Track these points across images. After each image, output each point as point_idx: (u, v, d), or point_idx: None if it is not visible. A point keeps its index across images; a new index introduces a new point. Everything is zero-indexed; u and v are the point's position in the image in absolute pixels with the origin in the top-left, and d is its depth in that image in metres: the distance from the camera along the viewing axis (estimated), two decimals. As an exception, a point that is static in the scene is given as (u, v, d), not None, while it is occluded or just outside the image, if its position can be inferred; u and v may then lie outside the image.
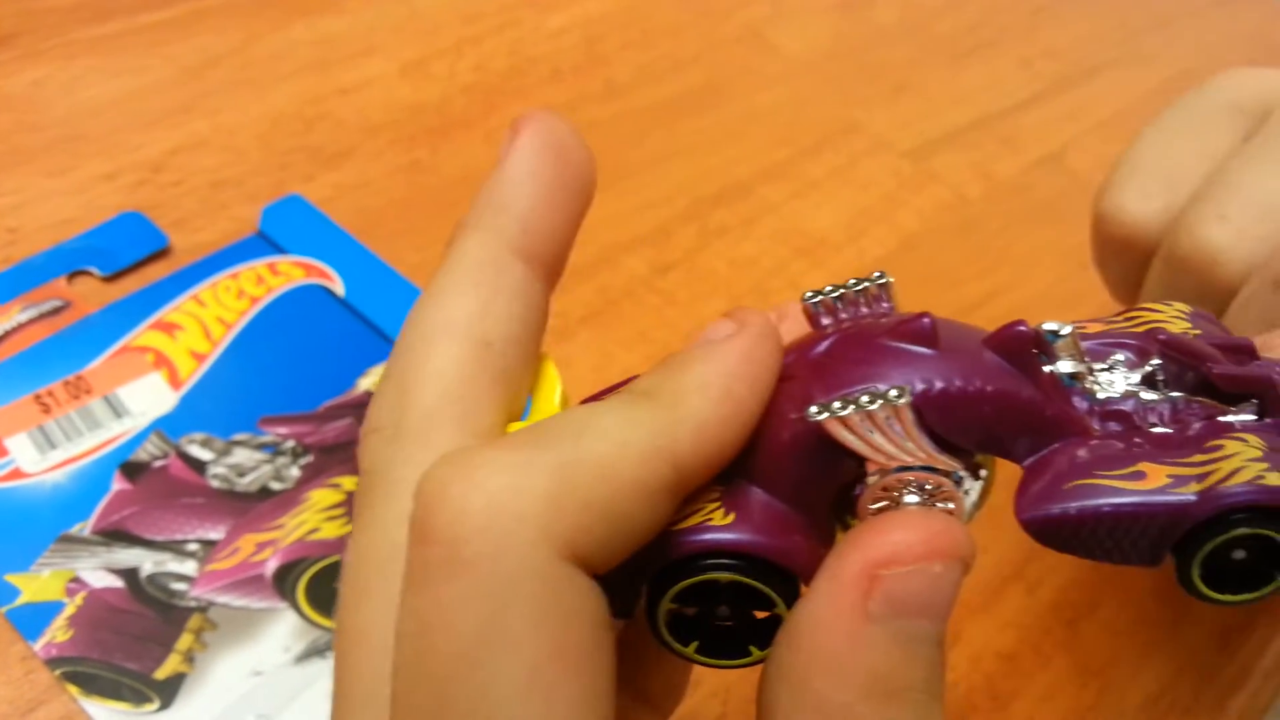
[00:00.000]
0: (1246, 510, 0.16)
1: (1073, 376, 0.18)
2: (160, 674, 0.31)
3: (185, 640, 0.32)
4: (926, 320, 0.17)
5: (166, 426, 0.36)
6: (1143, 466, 0.17)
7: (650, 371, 0.18)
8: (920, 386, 0.17)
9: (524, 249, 0.20)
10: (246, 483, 0.35)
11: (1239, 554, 0.17)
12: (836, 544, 0.17)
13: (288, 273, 0.41)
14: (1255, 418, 0.17)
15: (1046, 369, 0.18)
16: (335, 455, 0.36)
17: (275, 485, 0.35)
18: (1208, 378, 0.18)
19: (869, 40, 0.59)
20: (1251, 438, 0.17)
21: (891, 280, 0.19)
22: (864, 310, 0.19)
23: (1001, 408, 0.17)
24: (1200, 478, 0.16)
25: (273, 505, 0.35)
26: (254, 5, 0.54)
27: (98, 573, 0.33)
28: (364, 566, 0.18)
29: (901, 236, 0.49)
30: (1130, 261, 0.31)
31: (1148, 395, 0.18)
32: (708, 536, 0.17)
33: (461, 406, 0.19)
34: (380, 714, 0.16)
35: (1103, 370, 0.18)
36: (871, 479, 0.17)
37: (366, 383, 0.39)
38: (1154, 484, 0.16)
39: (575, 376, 0.41)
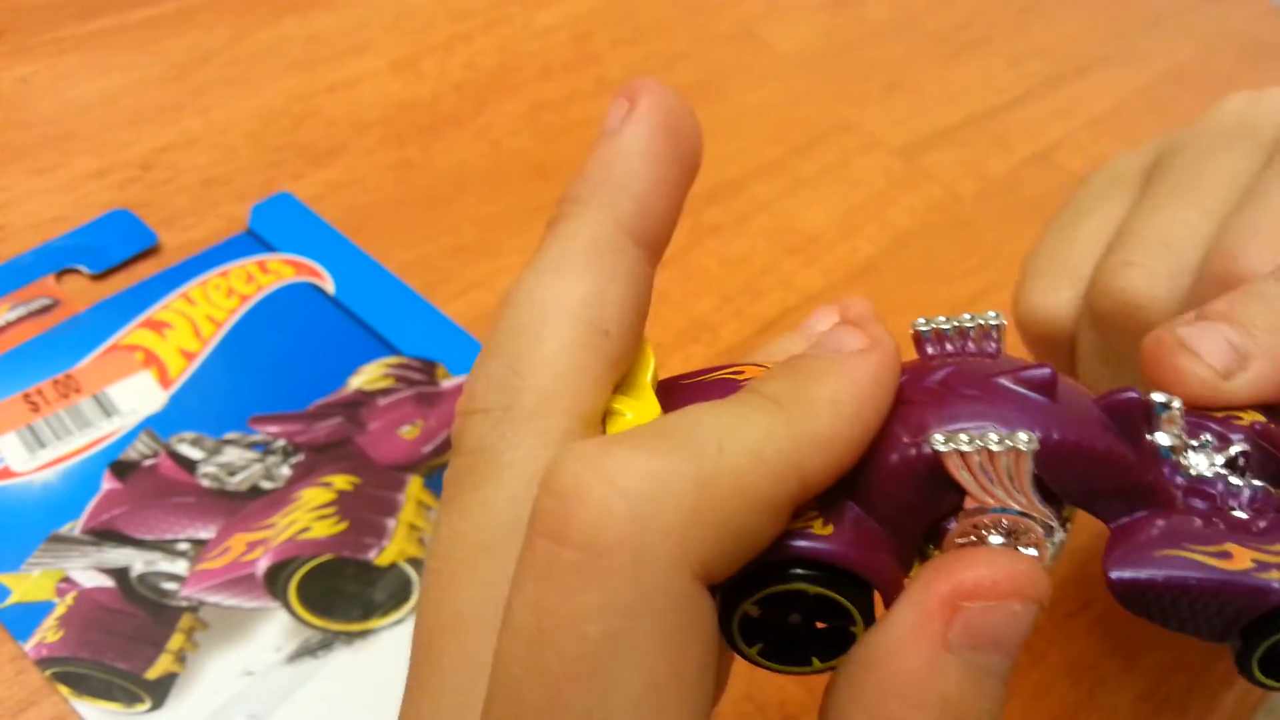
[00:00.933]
0: None
1: (1170, 449, 0.19)
2: (151, 674, 0.31)
3: (176, 640, 0.32)
4: (1049, 370, 0.18)
5: (156, 425, 0.36)
6: (1229, 547, 0.17)
7: (775, 373, 0.18)
8: (1040, 435, 0.17)
9: (637, 231, 0.19)
10: (237, 482, 0.35)
11: None
12: (919, 571, 0.17)
13: (278, 271, 0.41)
14: None
15: (1147, 438, 0.19)
16: (326, 454, 0.36)
17: (266, 484, 0.35)
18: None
19: (861, 38, 0.59)
20: None
21: (1005, 324, 0.19)
22: (971, 346, 0.19)
23: (1108, 468, 0.18)
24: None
25: (263, 504, 0.35)
26: (244, 2, 0.54)
27: (88, 572, 0.32)
28: (463, 548, 0.17)
29: (894, 234, 0.49)
30: (1062, 353, 0.31)
31: (1235, 480, 0.19)
32: (809, 544, 0.17)
33: (575, 393, 0.18)
34: (468, 701, 0.16)
35: (1193, 447, 0.19)
36: (966, 515, 0.17)
37: (357, 381, 0.38)
38: (1240, 565, 0.17)
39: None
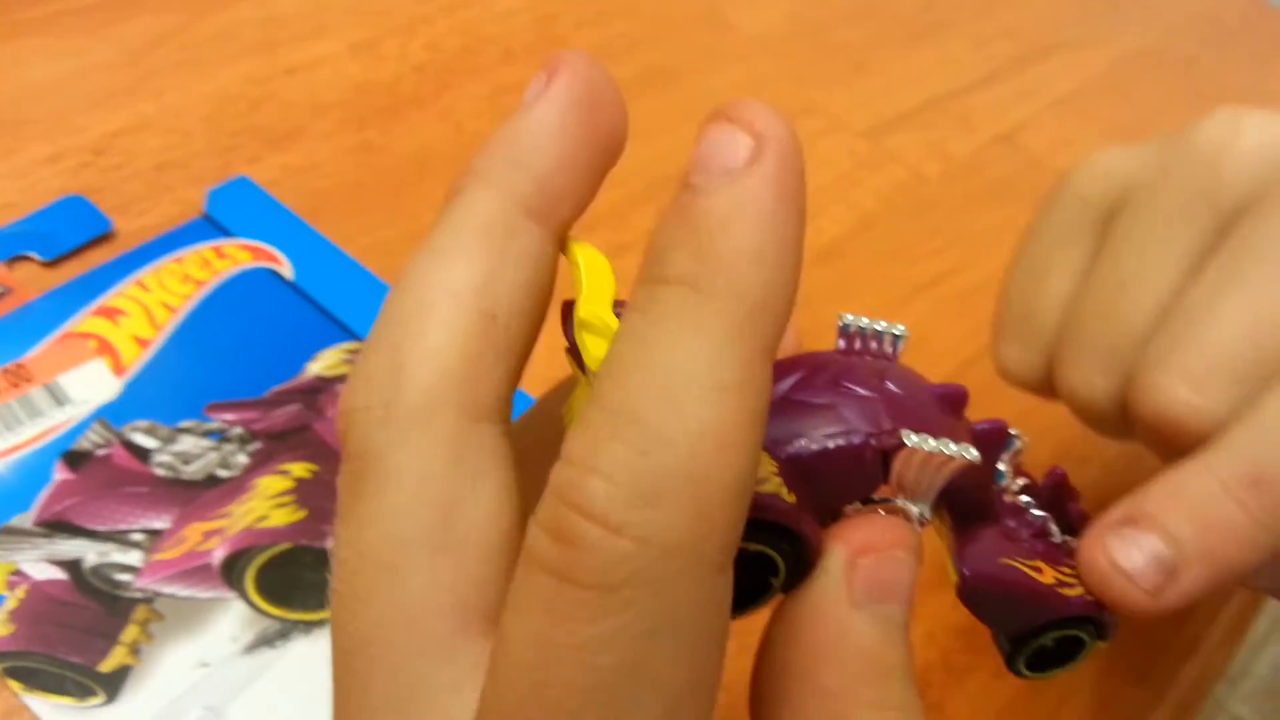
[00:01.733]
0: (1088, 617, 0.21)
1: (1002, 474, 0.22)
2: (105, 667, 0.30)
3: (130, 632, 0.31)
4: (965, 393, 0.21)
5: (110, 414, 0.35)
6: (1039, 564, 0.21)
7: (673, 238, 0.16)
8: (974, 455, 0.19)
9: (538, 209, 0.18)
10: (192, 470, 0.34)
11: (1050, 643, 0.21)
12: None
13: (234, 256, 0.41)
14: (1077, 544, 0.23)
15: (999, 465, 0.22)
16: (284, 441, 0.36)
17: (222, 473, 0.35)
18: (1070, 512, 0.23)
19: (826, 20, 0.59)
20: None
21: (908, 336, 0.21)
22: (874, 346, 0.21)
23: (983, 484, 0.21)
24: (1070, 585, 0.21)
25: (220, 493, 0.34)
26: (199, -16, 0.53)
27: (40, 565, 0.32)
28: (365, 566, 0.16)
29: (859, 215, 0.48)
30: (1048, 393, 0.31)
31: (1036, 512, 0.22)
32: (785, 509, 0.17)
33: (463, 386, 0.17)
34: None
35: (1011, 477, 0.22)
36: (867, 503, 0.19)
37: (315, 368, 0.38)
38: (1047, 580, 0.21)
39: (534, 358, 0.40)
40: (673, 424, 0.14)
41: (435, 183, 0.46)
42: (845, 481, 0.19)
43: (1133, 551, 0.21)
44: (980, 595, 0.20)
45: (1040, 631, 0.21)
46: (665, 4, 0.58)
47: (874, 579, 0.18)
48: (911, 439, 0.18)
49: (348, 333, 0.39)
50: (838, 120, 0.53)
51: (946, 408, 0.20)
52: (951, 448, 0.19)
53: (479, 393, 0.17)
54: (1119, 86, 0.59)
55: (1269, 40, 0.68)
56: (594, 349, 0.17)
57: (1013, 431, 0.22)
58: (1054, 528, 0.22)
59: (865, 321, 0.21)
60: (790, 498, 0.18)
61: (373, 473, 0.16)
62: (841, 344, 0.21)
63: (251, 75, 0.49)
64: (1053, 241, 0.30)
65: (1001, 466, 0.22)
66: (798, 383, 0.19)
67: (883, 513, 0.19)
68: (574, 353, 0.18)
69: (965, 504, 0.21)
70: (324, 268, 0.41)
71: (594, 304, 0.18)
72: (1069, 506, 0.23)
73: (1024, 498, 0.22)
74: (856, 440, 0.18)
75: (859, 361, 0.20)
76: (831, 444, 0.18)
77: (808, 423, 0.19)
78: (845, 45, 0.58)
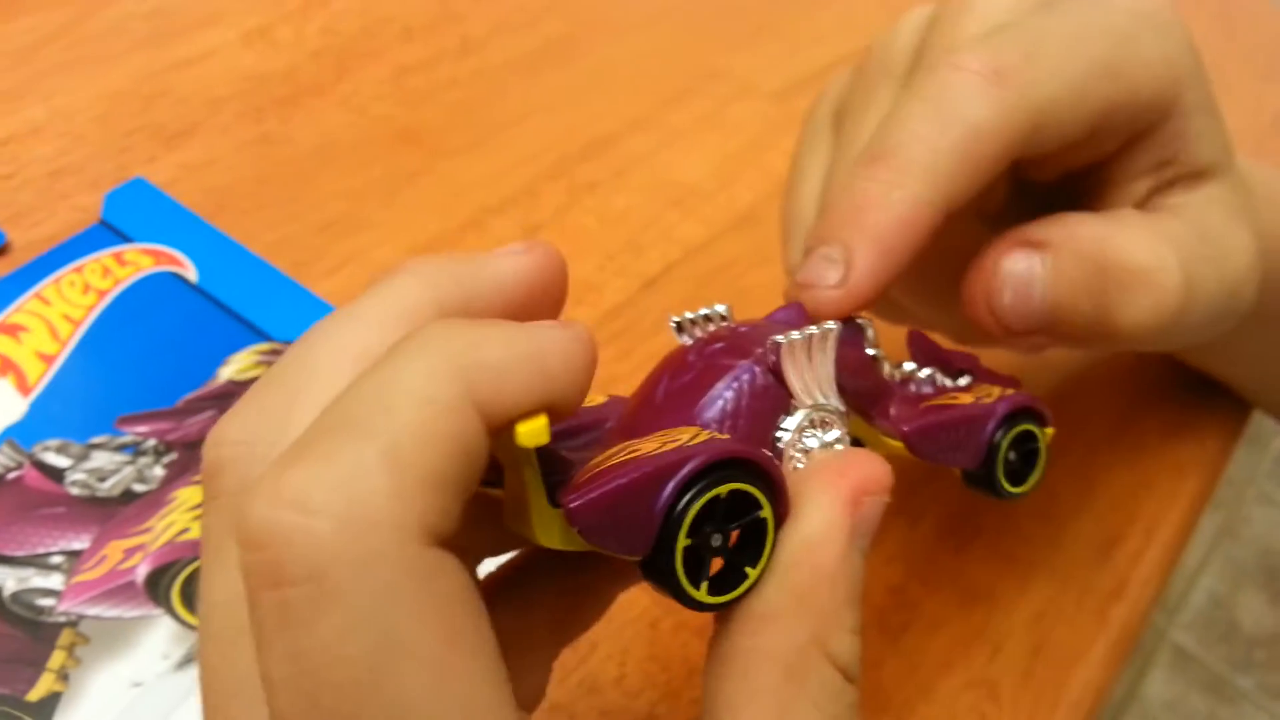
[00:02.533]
0: (1022, 409, 0.24)
1: (877, 356, 0.25)
2: (33, 695, 0.30)
3: (57, 658, 0.30)
4: (800, 307, 0.24)
5: (18, 435, 0.34)
6: (949, 399, 0.24)
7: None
8: (834, 325, 0.21)
9: (455, 311, 0.19)
10: (108, 487, 0.34)
11: (1012, 455, 0.24)
12: (812, 470, 0.20)
13: (135, 262, 0.39)
14: (969, 380, 0.26)
15: (868, 351, 0.25)
16: (200, 451, 0.35)
17: (139, 487, 0.34)
18: (948, 360, 0.26)
19: (726, -19, 0.59)
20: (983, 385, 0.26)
21: (729, 311, 0.23)
22: (710, 328, 0.23)
23: (866, 365, 0.24)
24: (989, 397, 0.24)
25: (138, 508, 0.33)
26: (80, -23, 0.51)
27: (-46, 596, 0.31)
28: (230, 611, 0.17)
29: (772, 180, 0.48)
30: None
31: (922, 374, 0.26)
32: (712, 447, 0.18)
33: None
34: None
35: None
36: (790, 416, 0.21)
37: (228, 372, 0.37)
38: (965, 402, 0.24)
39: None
40: (380, 421, 0.15)
41: (339, 172, 0.45)
42: (762, 412, 0.20)
43: (815, 265, 0.24)
44: (922, 440, 0.23)
45: (995, 444, 0.23)
46: (564, -27, 0.57)
47: (867, 518, 0.19)
48: (781, 339, 0.20)
49: (258, 334, 0.38)
50: (745, 84, 0.53)
51: (793, 322, 0.23)
52: (813, 328, 0.21)
53: (441, 521, 0.17)
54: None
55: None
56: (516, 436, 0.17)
57: (859, 320, 0.24)
58: (942, 377, 0.25)
59: (689, 313, 0.22)
60: (706, 436, 0.19)
61: (347, 590, 0.16)
62: (685, 339, 0.22)
63: (143, 71, 0.48)
64: (801, 158, 0.33)
65: (871, 352, 0.24)
66: (667, 378, 0.21)
67: (813, 428, 0.21)
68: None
69: (863, 388, 0.23)
70: (229, 268, 0.40)
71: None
72: (943, 355, 0.26)
73: (906, 365, 0.25)
74: (746, 373, 0.21)
75: (700, 339, 0.22)
76: (732, 388, 0.20)
77: (700, 388, 0.20)
78: (746, 6, 0.58)
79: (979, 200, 0.27)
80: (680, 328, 0.22)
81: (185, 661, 0.31)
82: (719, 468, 0.18)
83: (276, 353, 0.38)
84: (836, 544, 0.19)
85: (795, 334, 0.21)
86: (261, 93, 0.48)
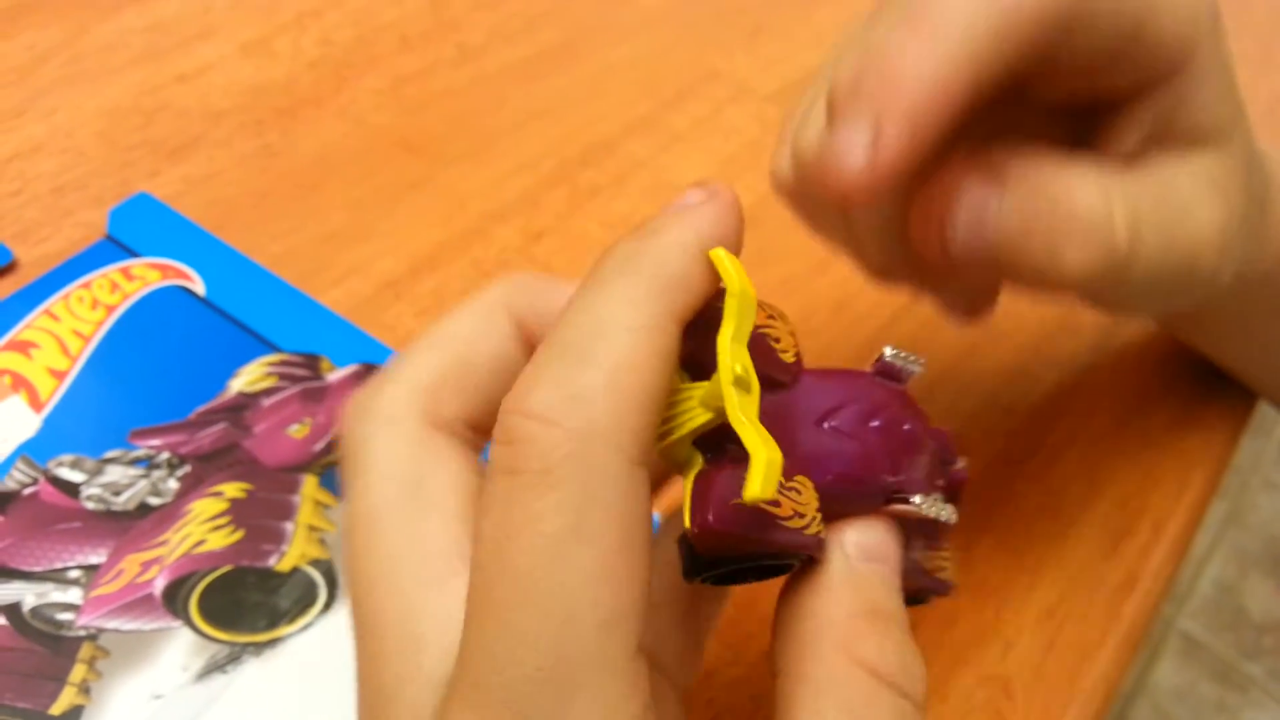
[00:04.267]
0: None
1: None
2: (56, 709, 0.30)
3: (78, 672, 0.31)
4: (945, 433, 0.26)
5: (32, 451, 0.35)
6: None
7: (626, 237, 0.20)
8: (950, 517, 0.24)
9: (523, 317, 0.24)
10: (123, 501, 0.34)
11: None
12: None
13: (143, 276, 0.40)
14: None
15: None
16: (213, 462, 0.35)
17: (154, 500, 0.34)
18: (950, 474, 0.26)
19: (720, -17, 0.59)
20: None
21: (923, 368, 0.24)
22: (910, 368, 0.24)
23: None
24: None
25: (153, 522, 0.34)
26: (78, -6, 0.52)
27: (-27, 613, 0.31)
28: (358, 526, 0.22)
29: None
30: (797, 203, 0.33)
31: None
32: (803, 539, 0.21)
33: (425, 401, 0.23)
34: (408, 632, 0.20)
35: None
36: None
37: (238, 384, 0.37)
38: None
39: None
40: (599, 348, 0.19)
41: (341, 182, 0.45)
42: (855, 508, 0.22)
43: (840, 140, 0.22)
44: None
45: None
46: (559, -21, 0.57)
47: (862, 542, 0.22)
48: (917, 499, 0.23)
49: (267, 345, 0.38)
50: (743, 86, 0.53)
51: (938, 446, 0.24)
52: (940, 511, 0.23)
53: (440, 409, 0.22)
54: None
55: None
56: (726, 367, 0.20)
57: (947, 511, 0.24)
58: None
59: (902, 352, 0.24)
60: (822, 530, 0.21)
61: (356, 457, 0.22)
62: (877, 365, 0.24)
63: (143, 86, 0.48)
64: (815, 86, 0.32)
65: (934, 516, 0.24)
66: (839, 417, 0.23)
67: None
68: (692, 362, 0.21)
69: (853, 498, 0.23)
70: (236, 280, 0.40)
71: (740, 351, 0.20)
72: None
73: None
74: (879, 499, 0.23)
75: (889, 400, 0.23)
76: (859, 496, 0.22)
77: (846, 470, 0.22)
78: (744, 7, 0.58)
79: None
80: (882, 357, 0.24)
81: (204, 673, 0.31)
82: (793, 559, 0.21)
83: (286, 363, 0.38)
84: (833, 566, 0.22)
85: (916, 502, 0.23)
86: (261, 104, 0.48)
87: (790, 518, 0.20)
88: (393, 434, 0.22)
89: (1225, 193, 0.28)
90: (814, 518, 0.21)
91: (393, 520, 0.21)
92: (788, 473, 0.21)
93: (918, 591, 0.24)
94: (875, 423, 0.23)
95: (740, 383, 0.19)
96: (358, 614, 0.21)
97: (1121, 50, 0.26)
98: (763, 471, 0.18)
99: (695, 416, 0.20)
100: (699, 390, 0.20)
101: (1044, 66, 0.25)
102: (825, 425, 0.22)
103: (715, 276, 0.20)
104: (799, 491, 0.21)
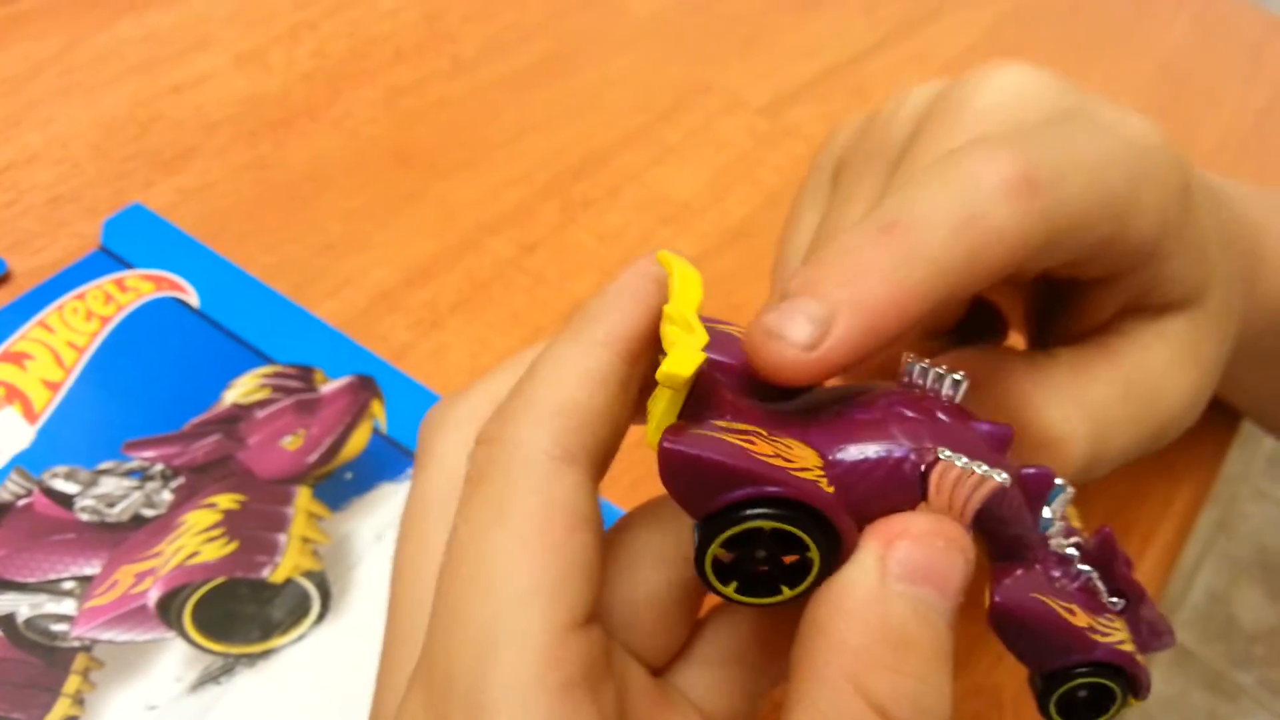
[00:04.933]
0: (1119, 666, 0.22)
1: (1049, 522, 0.23)
2: (47, 720, 0.30)
3: (73, 683, 0.31)
4: (1010, 432, 0.22)
5: (26, 462, 0.35)
6: (1074, 607, 0.22)
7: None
8: (1010, 477, 0.21)
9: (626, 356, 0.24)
10: (117, 512, 0.34)
11: (1083, 693, 0.22)
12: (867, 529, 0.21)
13: (137, 288, 0.40)
14: (1122, 606, 0.23)
15: (1046, 512, 0.23)
16: (207, 474, 0.35)
17: (148, 512, 0.34)
18: (1116, 573, 0.23)
19: (713, -4, 0.59)
20: (1120, 621, 0.23)
21: (967, 383, 0.22)
22: (934, 388, 0.22)
23: (1019, 519, 0.22)
24: (1105, 634, 0.22)
25: (147, 533, 0.34)
26: (75, 6, 0.52)
27: (-33, 625, 0.31)
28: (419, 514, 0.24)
29: (763, 194, 0.49)
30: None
31: (1082, 566, 0.23)
32: (799, 488, 0.20)
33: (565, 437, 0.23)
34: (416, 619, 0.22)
35: (1059, 527, 0.23)
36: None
37: (232, 395, 0.37)
38: (1080, 623, 0.22)
39: (452, 364, 0.40)
40: (528, 382, 0.22)
41: (335, 193, 0.46)
42: (885, 493, 0.21)
43: (787, 316, 0.21)
44: (1008, 623, 0.21)
45: (1069, 672, 0.22)
46: (553, -9, 0.58)
47: (909, 560, 0.20)
48: (946, 454, 0.21)
49: (261, 356, 0.39)
50: (735, 98, 0.54)
51: (994, 445, 0.22)
52: (984, 468, 0.20)
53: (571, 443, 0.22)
54: (1003, 45, 0.61)
55: (1143, -16, 0.70)
56: (671, 336, 0.21)
57: (1059, 480, 0.22)
58: (1099, 584, 0.23)
59: (926, 364, 0.22)
60: (829, 489, 0.20)
61: (422, 455, 0.24)
62: (904, 380, 0.22)
63: (137, 97, 0.48)
64: (801, 205, 0.34)
65: (1047, 514, 0.23)
66: (857, 403, 0.22)
67: None
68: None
69: (1002, 538, 0.22)
70: (230, 292, 0.40)
71: (681, 305, 0.21)
72: (1115, 568, 0.23)
73: (1071, 550, 0.23)
74: (898, 453, 0.21)
75: (917, 393, 0.22)
76: (873, 454, 0.21)
77: (857, 435, 0.21)
78: (736, 19, 0.58)
79: (934, 318, 0.27)
80: (910, 371, 0.22)
81: (198, 684, 0.31)
82: (788, 505, 0.20)
83: (280, 375, 0.38)
84: (861, 585, 0.20)
85: (960, 460, 0.21)
86: (255, 116, 0.48)
87: (771, 456, 0.20)
88: (459, 437, 0.24)
89: (1199, 356, 0.29)
90: (810, 469, 0.20)
91: (435, 514, 0.23)
92: (782, 436, 0.21)
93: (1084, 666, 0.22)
94: (902, 407, 0.22)
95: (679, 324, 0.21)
96: (390, 595, 0.23)
97: (1093, 257, 0.26)
98: (682, 349, 0.20)
99: (658, 400, 0.20)
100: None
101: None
102: (839, 408, 0.22)
103: (648, 305, 0.22)
104: (788, 447, 0.20)
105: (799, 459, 0.20)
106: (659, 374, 0.20)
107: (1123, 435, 0.28)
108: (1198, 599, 1.46)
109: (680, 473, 0.19)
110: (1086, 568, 0.23)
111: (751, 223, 0.48)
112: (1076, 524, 0.24)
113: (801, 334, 0.21)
